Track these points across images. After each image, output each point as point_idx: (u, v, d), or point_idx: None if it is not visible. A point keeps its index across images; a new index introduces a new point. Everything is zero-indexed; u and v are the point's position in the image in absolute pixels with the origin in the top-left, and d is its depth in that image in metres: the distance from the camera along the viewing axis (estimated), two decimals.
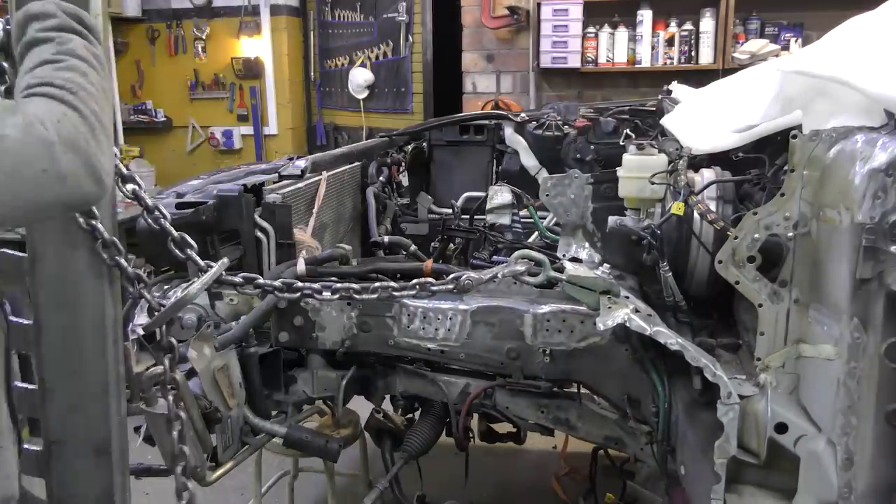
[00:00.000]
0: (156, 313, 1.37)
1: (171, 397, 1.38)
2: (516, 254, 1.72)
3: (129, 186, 1.33)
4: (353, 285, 1.66)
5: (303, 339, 1.86)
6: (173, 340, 1.37)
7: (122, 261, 1.24)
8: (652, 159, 1.80)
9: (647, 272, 1.76)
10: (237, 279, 1.60)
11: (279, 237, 2.05)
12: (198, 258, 1.46)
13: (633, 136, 2.69)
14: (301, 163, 2.39)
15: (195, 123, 7.07)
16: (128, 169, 1.32)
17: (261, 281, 1.63)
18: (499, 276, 1.67)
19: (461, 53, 5.37)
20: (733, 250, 1.31)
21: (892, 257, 1.03)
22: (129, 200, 1.44)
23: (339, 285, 1.66)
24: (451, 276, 1.67)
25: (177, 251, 1.44)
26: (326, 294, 1.66)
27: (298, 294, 1.66)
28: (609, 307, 1.51)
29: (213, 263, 1.46)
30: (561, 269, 1.69)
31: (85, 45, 1.03)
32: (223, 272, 1.48)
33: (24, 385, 1.32)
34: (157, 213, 1.40)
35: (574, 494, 2.68)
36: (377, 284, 1.67)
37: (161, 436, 1.56)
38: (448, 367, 1.94)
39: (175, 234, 1.43)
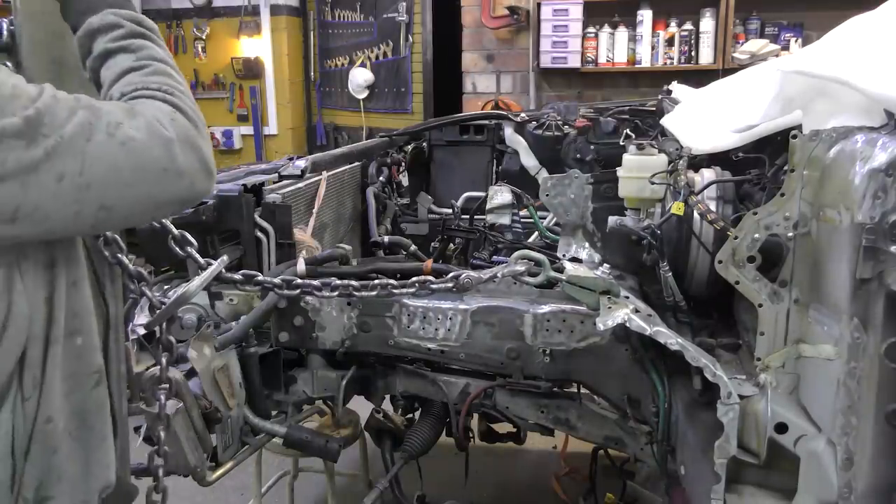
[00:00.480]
0: (157, 311, 1.37)
1: (162, 396, 1.38)
2: (516, 254, 1.72)
3: None
4: (353, 282, 1.67)
5: (303, 339, 1.86)
6: (172, 339, 1.37)
7: (124, 258, 1.25)
8: (652, 159, 1.80)
9: (647, 272, 1.76)
10: (237, 276, 1.61)
11: (279, 237, 2.05)
12: (197, 256, 1.46)
13: (633, 136, 2.69)
14: (301, 163, 2.39)
15: None
16: None
17: (260, 278, 1.64)
18: (498, 275, 1.67)
19: (461, 53, 5.37)
20: (733, 250, 1.31)
21: (892, 257, 1.03)
22: None
23: (338, 282, 1.66)
24: (451, 274, 1.67)
25: (177, 249, 1.44)
26: (326, 291, 1.66)
27: (298, 291, 1.66)
28: (609, 307, 1.51)
29: (212, 261, 1.47)
30: (561, 269, 1.69)
31: (157, 47, 1.08)
32: (223, 269, 1.49)
33: None
34: None
35: (574, 494, 2.68)
36: (377, 282, 1.67)
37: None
38: (448, 367, 1.94)
39: (175, 231, 1.43)
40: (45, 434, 0.97)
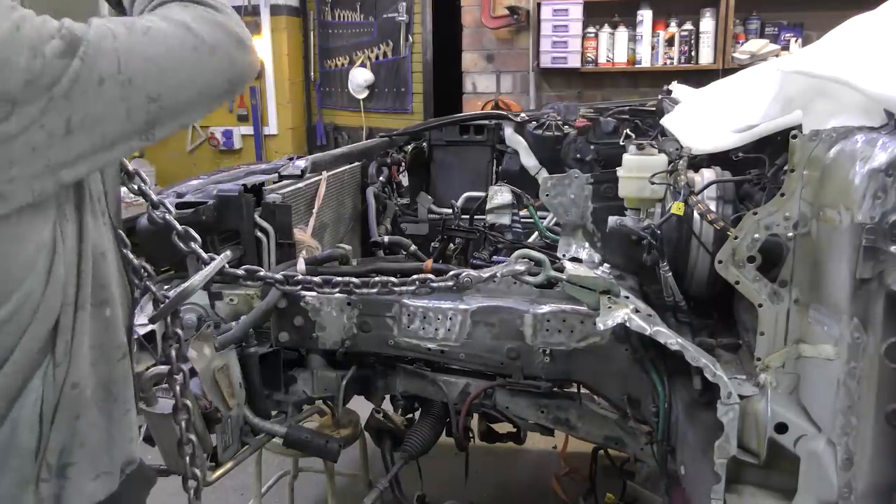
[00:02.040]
0: (160, 305, 1.37)
1: (178, 387, 1.38)
2: (516, 253, 1.72)
3: (134, 184, 1.33)
4: (354, 279, 1.67)
5: (303, 339, 1.86)
6: (179, 331, 1.37)
7: (129, 252, 1.25)
8: (652, 159, 1.80)
9: (647, 272, 1.76)
10: (239, 272, 1.61)
11: (279, 237, 2.05)
12: (201, 251, 1.46)
13: (633, 136, 2.69)
14: (301, 163, 2.39)
15: (195, 123, 7.07)
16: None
17: (262, 273, 1.64)
18: (498, 275, 1.67)
19: (461, 53, 5.37)
20: (733, 250, 1.31)
21: (892, 257, 1.03)
22: (128, 200, 1.45)
23: (338, 279, 1.66)
24: (451, 273, 1.68)
25: (181, 244, 1.44)
26: (327, 288, 1.66)
27: (299, 287, 1.66)
28: (609, 307, 1.51)
29: (216, 256, 1.47)
30: (561, 269, 1.69)
31: None
32: (226, 265, 1.49)
33: None
34: (162, 207, 1.41)
35: (574, 494, 2.68)
36: (377, 279, 1.67)
37: (161, 435, 1.56)
38: (448, 367, 1.94)
39: (179, 227, 1.43)
40: (70, 399, 0.98)
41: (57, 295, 0.95)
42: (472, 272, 1.67)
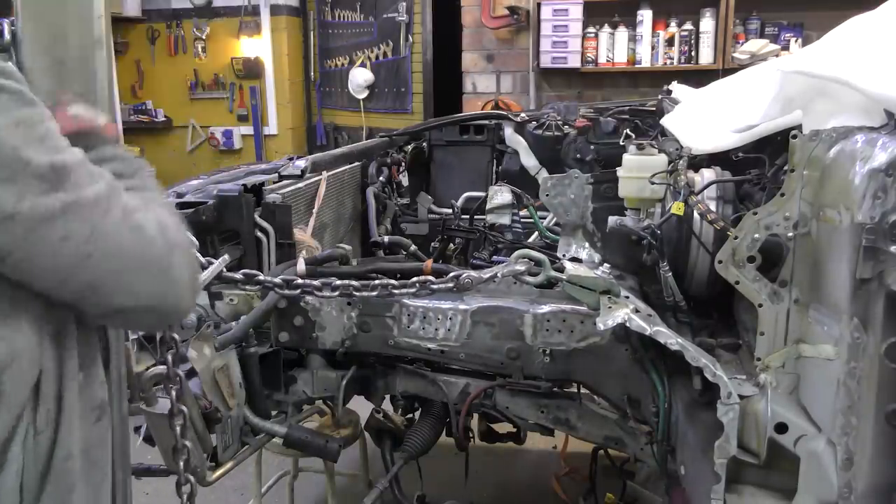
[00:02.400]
0: None
1: (173, 393, 1.38)
2: (516, 253, 1.72)
3: None
4: (354, 283, 1.67)
5: (303, 339, 1.86)
6: (176, 336, 1.37)
7: None
8: (652, 159, 1.80)
9: (647, 272, 1.76)
10: (237, 276, 1.61)
11: (279, 237, 2.05)
12: (199, 255, 1.47)
13: (633, 136, 2.69)
14: (301, 163, 2.39)
15: (195, 123, 7.08)
16: None
17: (261, 277, 1.64)
18: (499, 275, 1.67)
19: (461, 53, 5.37)
20: (733, 250, 1.31)
21: (892, 257, 1.03)
22: None
23: (339, 282, 1.66)
24: (451, 274, 1.68)
25: None
26: (326, 291, 1.66)
27: (298, 291, 1.66)
28: (609, 307, 1.51)
29: (213, 260, 1.47)
30: (561, 269, 1.69)
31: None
32: (223, 269, 1.49)
33: None
34: None
35: (574, 494, 2.68)
36: (377, 282, 1.67)
37: (161, 435, 1.56)
38: (448, 367, 1.94)
39: None
40: (63, 472, 0.93)
41: (31, 363, 0.89)
42: (473, 273, 1.67)
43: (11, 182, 0.80)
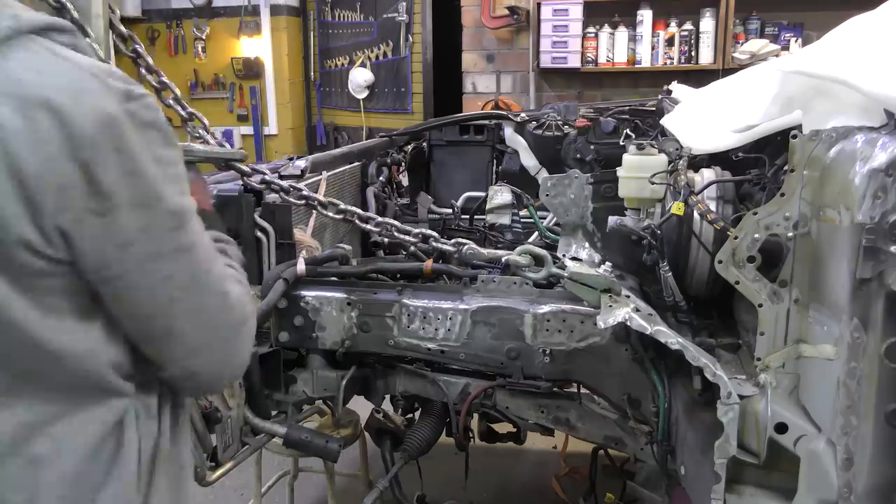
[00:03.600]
0: None
1: None
2: (519, 248, 1.72)
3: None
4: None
5: (303, 339, 1.86)
6: None
7: None
8: (652, 159, 1.80)
9: (647, 272, 1.76)
10: (246, 168, 1.72)
11: (279, 237, 2.05)
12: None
13: (633, 136, 2.69)
14: (301, 163, 2.39)
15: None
16: None
17: (267, 177, 1.75)
18: (503, 260, 1.71)
19: (461, 53, 5.37)
20: (733, 250, 1.31)
21: (892, 257, 1.03)
22: None
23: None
24: (455, 240, 1.71)
25: None
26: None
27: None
28: (610, 305, 1.51)
29: None
30: (563, 267, 1.69)
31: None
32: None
33: None
34: None
35: (574, 494, 2.68)
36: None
37: None
38: (448, 367, 1.94)
39: None
40: (174, 455, 0.98)
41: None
42: (475, 246, 1.74)
43: (144, 210, 0.82)
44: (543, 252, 1.70)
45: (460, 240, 1.77)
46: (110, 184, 0.79)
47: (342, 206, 1.96)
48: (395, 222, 1.93)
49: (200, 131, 1.75)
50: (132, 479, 0.88)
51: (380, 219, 1.95)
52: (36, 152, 0.74)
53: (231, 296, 0.95)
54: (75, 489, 0.84)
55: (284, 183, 1.93)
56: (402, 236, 1.91)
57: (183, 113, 1.74)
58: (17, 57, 0.76)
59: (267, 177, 1.89)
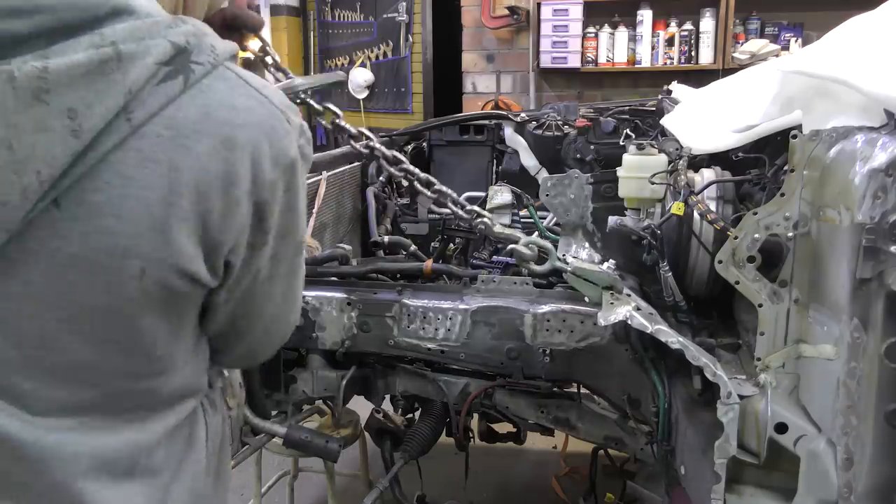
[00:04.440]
0: None
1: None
2: (523, 240, 1.72)
3: None
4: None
5: (303, 339, 1.86)
6: None
7: None
8: (652, 159, 1.80)
9: (647, 272, 1.76)
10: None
11: None
12: None
13: (633, 136, 2.69)
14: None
15: None
16: None
17: (374, 143, 1.77)
18: (509, 247, 1.74)
19: (461, 53, 5.37)
20: (733, 250, 1.31)
21: (892, 257, 1.03)
22: None
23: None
24: (470, 207, 1.76)
25: None
26: None
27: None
28: (611, 303, 1.51)
29: None
30: (566, 262, 1.69)
31: None
32: None
33: None
34: None
35: (574, 494, 2.68)
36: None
37: None
38: (448, 367, 1.94)
39: None
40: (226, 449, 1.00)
41: None
42: (488, 220, 1.78)
43: (283, 239, 0.83)
44: (549, 244, 1.70)
45: (476, 208, 1.79)
46: (273, 221, 0.79)
47: (438, 185, 1.91)
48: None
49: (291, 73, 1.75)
50: (201, 468, 0.89)
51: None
52: (226, 195, 0.73)
53: (300, 309, 0.98)
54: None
55: (388, 152, 1.89)
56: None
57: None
58: (216, 89, 0.73)
59: (374, 143, 1.86)
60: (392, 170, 1.88)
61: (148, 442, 0.81)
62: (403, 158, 1.87)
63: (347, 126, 1.83)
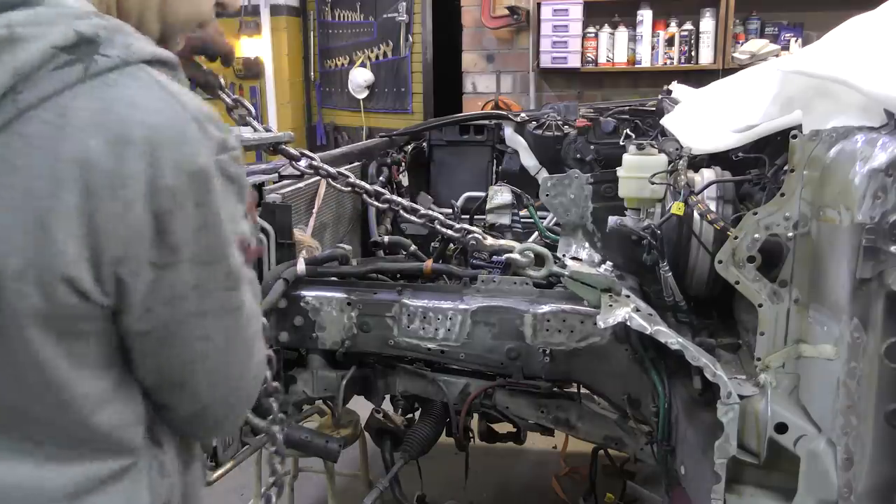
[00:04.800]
0: None
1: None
2: (520, 246, 1.72)
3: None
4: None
5: (303, 339, 1.86)
6: None
7: None
8: (652, 159, 1.80)
9: (647, 272, 1.76)
10: None
11: (279, 237, 2.05)
12: None
13: (633, 136, 2.69)
14: (302, 163, 2.39)
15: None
16: None
17: (315, 162, 1.85)
18: (503, 257, 1.77)
19: (461, 53, 5.37)
20: (733, 250, 1.31)
21: (892, 257, 1.03)
22: None
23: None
24: (459, 225, 1.77)
25: None
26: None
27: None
28: (610, 305, 1.51)
29: None
30: (563, 266, 1.69)
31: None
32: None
33: None
34: None
35: (574, 494, 2.68)
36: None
37: None
38: (448, 367, 1.94)
39: None
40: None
41: None
42: (479, 235, 1.82)
43: (204, 267, 0.77)
44: (545, 251, 1.70)
45: (466, 226, 1.80)
46: (180, 238, 0.73)
47: (388, 195, 1.97)
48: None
49: (248, 118, 1.75)
50: None
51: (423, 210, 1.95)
52: (115, 195, 0.68)
53: (255, 357, 0.89)
54: None
55: (332, 169, 1.94)
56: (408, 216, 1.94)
57: (228, 101, 1.72)
58: (124, 85, 0.70)
59: (315, 162, 1.91)
60: (376, 203, 1.94)
61: (65, 486, 0.75)
62: (384, 191, 1.94)
63: (326, 167, 1.90)
